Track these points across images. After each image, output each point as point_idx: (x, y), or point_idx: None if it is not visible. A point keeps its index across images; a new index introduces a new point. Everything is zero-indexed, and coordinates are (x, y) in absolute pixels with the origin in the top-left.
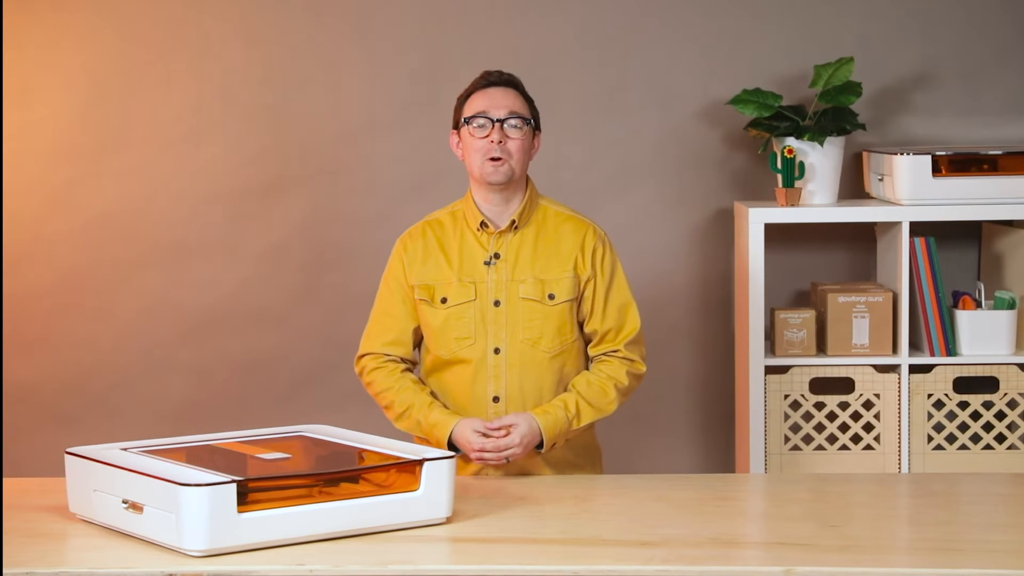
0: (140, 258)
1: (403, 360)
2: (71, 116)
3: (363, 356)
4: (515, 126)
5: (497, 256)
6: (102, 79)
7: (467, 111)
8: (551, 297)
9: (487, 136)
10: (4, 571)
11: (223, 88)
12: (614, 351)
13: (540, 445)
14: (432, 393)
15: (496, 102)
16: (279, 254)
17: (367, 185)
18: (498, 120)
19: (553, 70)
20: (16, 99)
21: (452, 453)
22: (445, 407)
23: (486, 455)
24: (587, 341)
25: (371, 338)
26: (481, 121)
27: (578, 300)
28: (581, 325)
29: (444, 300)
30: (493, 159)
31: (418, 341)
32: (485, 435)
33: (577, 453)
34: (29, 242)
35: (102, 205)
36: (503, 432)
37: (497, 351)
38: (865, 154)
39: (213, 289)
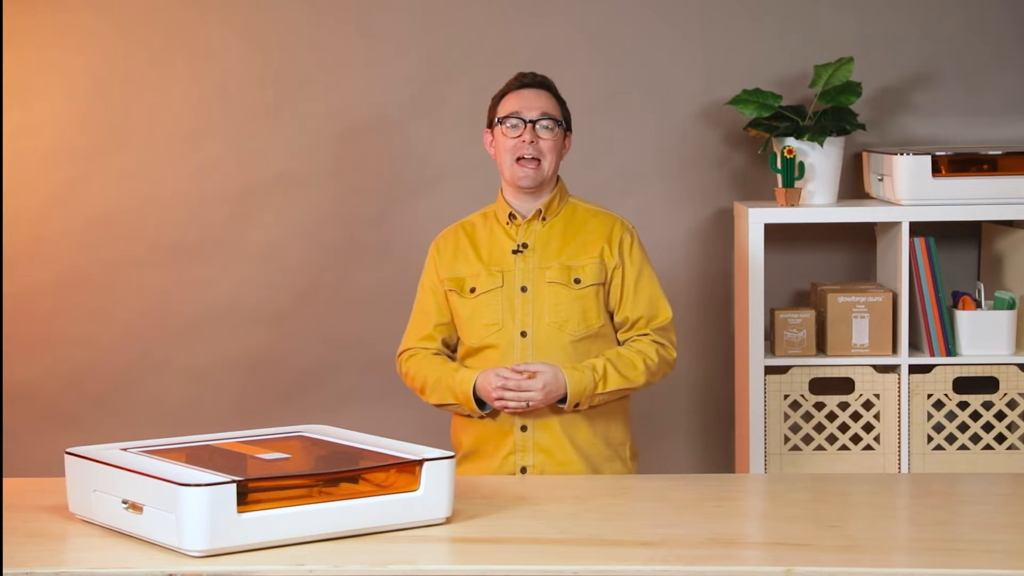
0: (140, 258)
1: (436, 351)
2: (71, 116)
3: (401, 353)
4: (547, 127)
5: (525, 245)
6: (102, 79)
7: (501, 111)
8: (577, 281)
9: (519, 136)
10: (4, 571)
11: (223, 88)
12: (644, 334)
13: (564, 400)
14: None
15: (529, 103)
16: (279, 254)
17: (367, 185)
18: (530, 121)
19: (553, 70)
20: (16, 99)
21: (452, 454)
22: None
23: (506, 395)
24: (617, 329)
25: (409, 336)
26: (514, 121)
27: (606, 286)
28: (611, 316)
29: (473, 290)
30: (524, 160)
31: (455, 339)
32: (507, 377)
33: (609, 444)
34: (29, 242)
35: (102, 205)
36: (526, 375)
37: (524, 334)
38: (865, 154)
39: (213, 289)
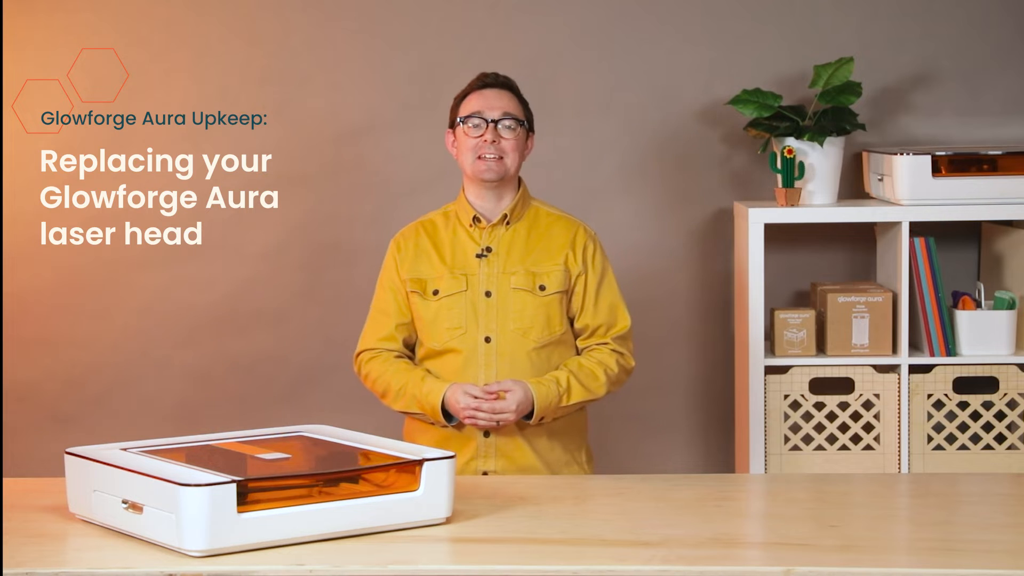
0: (140, 258)
1: (398, 353)
2: (70, 115)
3: (360, 353)
4: (509, 127)
5: (489, 249)
6: (102, 79)
7: (462, 111)
8: (542, 288)
9: (481, 136)
10: (4, 571)
11: (223, 88)
12: (603, 343)
13: (530, 416)
14: (428, 371)
15: (491, 103)
16: (279, 254)
17: (367, 185)
18: (492, 120)
19: (552, 70)
20: (15, 98)
21: (452, 454)
22: (438, 379)
23: (479, 415)
24: (577, 335)
25: (368, 336)
26: (476, 121)
27: (568, 294)
28: (572, 321)
29: (436, 292)
30: (486, 158)
31: (414, 339)
32: (479, 398)
33: (569, 450)
34: (29, 242)
35: (102, 205)
36: (496, 396)
37: (488, 340)
38: (865, 154)
39: (213, 289)
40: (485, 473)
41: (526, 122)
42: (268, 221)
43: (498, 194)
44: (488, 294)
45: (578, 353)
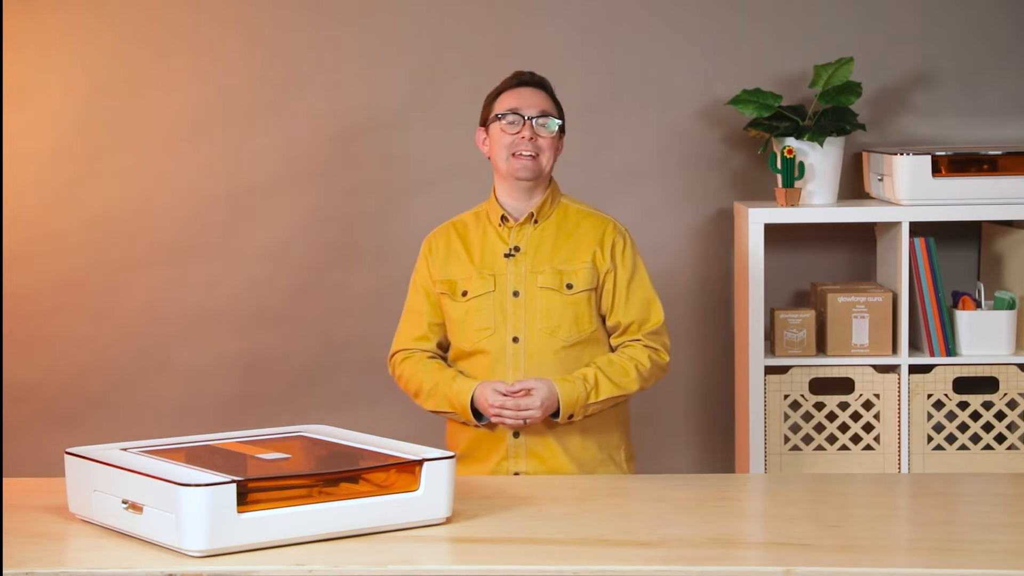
0: (140, 258)
1: (432, 354)
2: (71, 116)
3: (395, 354)
4: (545, 125)
5: (517, 249)
6: (102, 79)
7: (498, 108)
8: (569, 287)
9: (518, 133)
10: (4, 571)
11: (223, 88)
12: (636, 339)
13: (557, 414)
14: (460, 372)
15: (527, 101)
16: (279, 254)
17: (367, 185)
18: (529, 118)
19: (553, 70)
20: (16, 99)
21: (451, 454)
22: (469, 378)
23: (505, 414)
24: (610, 333)
25: (401, 336)
26: (512, 118)
27: (598, 291)
28: (604, 320)
29: (465, 293)
30: (522, 155)
31: (448, 341)
32: (505, 396)
33: (602, 448)
34: (29, 242)
35: (102, 205)
36: (522, 393)
37: (516, 340)
38: (865, 154)
39: (213, 289)
40: (516, 474)
41: (561, 122)
42: (268, 221)
43: (529, 193)
44: (516, 294)
45: (611, 351)
